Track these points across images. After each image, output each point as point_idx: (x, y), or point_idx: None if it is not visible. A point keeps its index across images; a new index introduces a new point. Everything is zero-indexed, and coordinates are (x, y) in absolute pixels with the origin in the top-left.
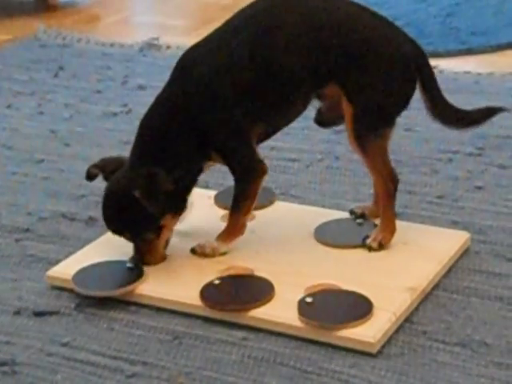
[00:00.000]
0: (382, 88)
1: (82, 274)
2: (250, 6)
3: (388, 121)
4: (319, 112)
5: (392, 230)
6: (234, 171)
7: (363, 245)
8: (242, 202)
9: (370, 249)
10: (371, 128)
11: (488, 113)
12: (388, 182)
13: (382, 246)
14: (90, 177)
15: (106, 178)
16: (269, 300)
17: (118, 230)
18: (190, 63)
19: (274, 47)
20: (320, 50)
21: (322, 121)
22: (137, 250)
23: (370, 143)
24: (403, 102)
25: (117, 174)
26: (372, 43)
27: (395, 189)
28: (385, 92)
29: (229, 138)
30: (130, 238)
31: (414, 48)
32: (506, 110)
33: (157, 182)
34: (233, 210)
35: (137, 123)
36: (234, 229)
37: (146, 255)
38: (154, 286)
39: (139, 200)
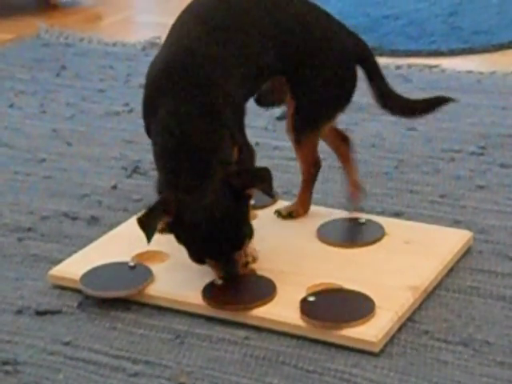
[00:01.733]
0: (323, 84)
1: (90, 275)
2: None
3: (329, 116)
4: (261, 92)
5: (305, 209)
6: (242, 162)
7: (279, 214)
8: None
9: (279, 214)
10: (311, 122)
11: (436, 102)
12: (311, 168)
13: (290, 216)
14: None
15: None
16: (271, 299)
17: (239, 243)
18: (193, 68)
19: (245, 33)
20: (272, 44)
21: (261, 101)
22: (233, 262)
23: (306, 136)
24: (345, 98)
25: (190, 199)
26: (315, 40)
27: (316, 173)
28: (326, 88)
29: (240, 126)
30: (237, 252)
31: (356, 43)
32: (453, 101)
33: (255, 170)
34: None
35: (139, 122)
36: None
37: (241, 261)
38: (160, 286)
39: (263, 191)
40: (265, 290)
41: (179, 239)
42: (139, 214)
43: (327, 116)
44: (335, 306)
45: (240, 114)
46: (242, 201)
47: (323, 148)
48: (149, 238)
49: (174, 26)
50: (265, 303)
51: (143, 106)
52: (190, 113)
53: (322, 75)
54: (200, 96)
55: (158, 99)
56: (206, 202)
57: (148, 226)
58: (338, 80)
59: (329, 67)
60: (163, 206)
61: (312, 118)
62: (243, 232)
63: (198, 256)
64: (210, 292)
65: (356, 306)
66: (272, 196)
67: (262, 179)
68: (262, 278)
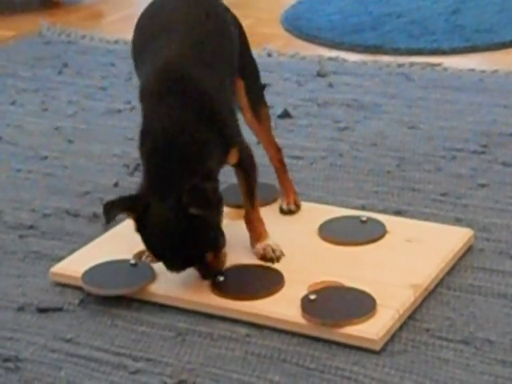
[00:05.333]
0: (255, 64)
1: (92, 272)
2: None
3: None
4: None
5: (294, 191)
6: (243, 163)
7: (282, 211)
8: (255, 190)
9: (290, 211)
10: (260, 95)
11: None
12: (279, 152)
13: (298, 207)
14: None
15: (139, 219)
16: (280, 288)
17: (197, 258)
18: (181, 74)
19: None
20: (234, 47)
21: None
22: (209, 264)
23: (262, 110)
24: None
25: (157, 205)
26: (245, 37)
27: (282, 157)
28: (255, 68)
29: (237, 128)
30: (207, 259)
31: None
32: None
33: (207, 191)
34: (253, 202)
35: (141, 120)
36: (261, 219)
37: (218, 263)
38: (162, 284)
39: (201, 215)
40: (272, 281)
41: (142, 237)
42: (110, 199)
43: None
44: (336, 303)
45: (235, 116)
46: (196, 218)
47: (323, 147)
48: (107, 222)
49: (150, 37)
50: (273, 293)
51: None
52: (179, 120)
53: (252, 58)
54: (194, 104)
55: (152, 106)
56: (162, 217)
57: (108, 212)
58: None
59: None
60: (131, 202)
61: (259, 90)
62: (198, 248)
63: (157, 258)
64: (216, 285)
65: (357, 303)
66: (208, 215)
67: (198, 202)
68: (269, 268)
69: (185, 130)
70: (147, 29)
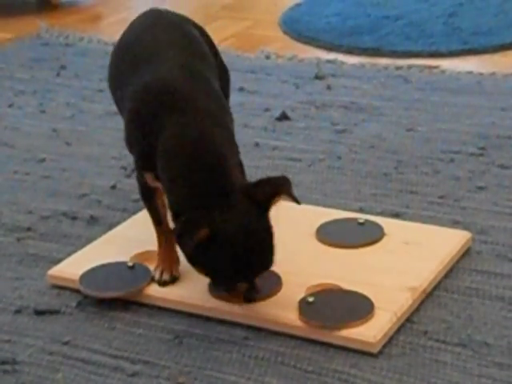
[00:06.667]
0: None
1: (89, 274)
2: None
3: None
4: None
5: None
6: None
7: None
8: None
9: None
10: (228, 100)
11: None
12: None
13: None
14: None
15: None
16: (277, 291)
17: (269, 264)
18: (196, 83)
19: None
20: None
21: None
22: (255, 285)
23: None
24: None
25: (233, 215)
26: (215, 47)
27: None
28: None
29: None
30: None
31: None
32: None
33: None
34: None
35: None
36: None
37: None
38: (159, 287)
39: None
40: (271, 283)
41: (208, 262)
42: (175, 230)
43: None
44: (334, 306)
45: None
46: (267, 213)
47: (321, 149)
48: (188, 254)
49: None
50: (272, 295)
51: (132, 127)
52: (205, 129)
53: (224, 68)
54: (210, 111)
55: (160, 118)
56: (240, 219)
57: (187, 242)
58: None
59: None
60: (199, 222)
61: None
62: (273, 249)
63: (232, 280)
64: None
65: (355, 306)
66: (298, 202)
67: (286, 185)
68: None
69: (215, 140)
70: (129, 57)
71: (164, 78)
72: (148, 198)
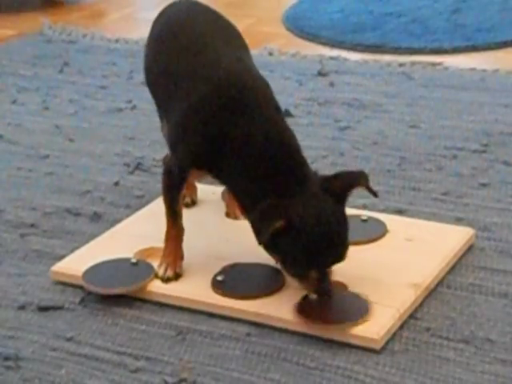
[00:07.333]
0: None
1: (92, 271)
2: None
3: None
4: None
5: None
6: None
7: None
8: None
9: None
10: None
11: None
12: None
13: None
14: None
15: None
16: (280, 287)
17: (344, 255)
18: (244, 82)
19: None
20: None
21: None
22: (328, 276)
23: None
24: None
25: (309, 205)
26: None
27: None
28: None
29: None
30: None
31: None
32: None
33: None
34: None
35: (142, 119)
36: None
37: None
38: (162, 283)
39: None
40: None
41: (284, 250)
42: (253, 216)
43: None
44: (337, 303)
45: None
46: (343, 205)
47: (324, 146)
48: (263, 241)
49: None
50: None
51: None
52: (277, 123)
53: None
54: (273, 104)
55: (229, 114)
56: (318, 208)
57: (264, 231)
58: None
59: None
60: (276, 211)
61: None
62: (348, 241)
63: (304, 267)
64: (217, 284)
65: (352, 307)
66: (376, 194)
67: (363, 177)
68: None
69: (287, 134)
70: (173, 47)
71: (228, 73)
72: (177, 191)
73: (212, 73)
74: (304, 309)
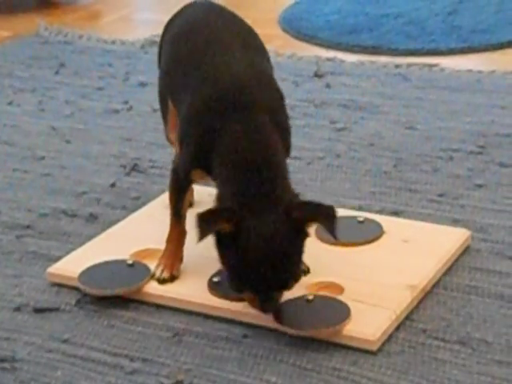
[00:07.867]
0: None
1: (88, 272)
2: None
3: None
4: None
5: None
6: None
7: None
8: None
9: None
10: None
11: None
12: None
13: None
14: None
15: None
16: None
17: (283, 286)
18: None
19: None
20: None
21: None
22: (272, 299)
23: None
24: None
25: (259, 219)
26: None
27: None
28: None
29: None
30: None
31: None
32: None
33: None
34: None
35: (138, 120)
36: None
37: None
38: (158, 284)
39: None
40: None
41: (225, 257)
42: (201, 212)
43: None
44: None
45: None
46: (302, 236)
47: (320, 147)
48: (201, 237)
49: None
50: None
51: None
52: (263, 133)
53: None
54: (273, 111)
55: (225, 116)
56: (270, 230)
57: (205, 225)
58: None
59: None
60: (227, 214)
61: None
62: (295, 272)
63: (238, 284)
64: (214, 286)
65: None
66: (335, 236)
67: (327, 214)
68: None
69: (271, 144)
70: (189, 47)
71: (231, 76)
72: (182, 191)
73: (220, 76)
74: (279, 315)
